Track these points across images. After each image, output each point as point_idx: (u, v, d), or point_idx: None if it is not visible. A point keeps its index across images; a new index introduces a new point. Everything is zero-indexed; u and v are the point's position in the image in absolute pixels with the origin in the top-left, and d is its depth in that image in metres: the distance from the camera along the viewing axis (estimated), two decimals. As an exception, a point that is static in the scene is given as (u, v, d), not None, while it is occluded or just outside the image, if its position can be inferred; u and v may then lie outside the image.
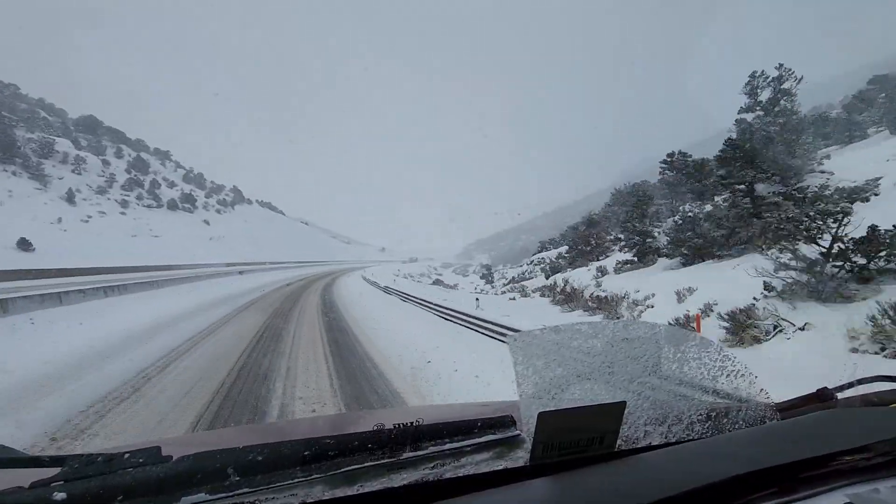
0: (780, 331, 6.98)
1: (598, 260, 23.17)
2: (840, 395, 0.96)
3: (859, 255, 7.53)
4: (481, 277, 53.57)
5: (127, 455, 0.63)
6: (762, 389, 0.84)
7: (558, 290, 17.27)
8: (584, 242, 26.32)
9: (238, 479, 0.61)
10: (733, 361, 0.83)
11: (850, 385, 0.97)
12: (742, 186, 13.84)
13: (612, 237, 26.02)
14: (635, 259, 18.47)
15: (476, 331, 9.75)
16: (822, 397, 0.95)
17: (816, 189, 13.02)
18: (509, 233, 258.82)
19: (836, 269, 7.63)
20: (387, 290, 22.16)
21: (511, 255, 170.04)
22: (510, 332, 1.25)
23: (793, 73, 18.51)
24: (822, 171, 16.93)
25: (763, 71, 19.37)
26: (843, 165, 17.26)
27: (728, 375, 0.82)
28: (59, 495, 0.54)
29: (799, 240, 8.34)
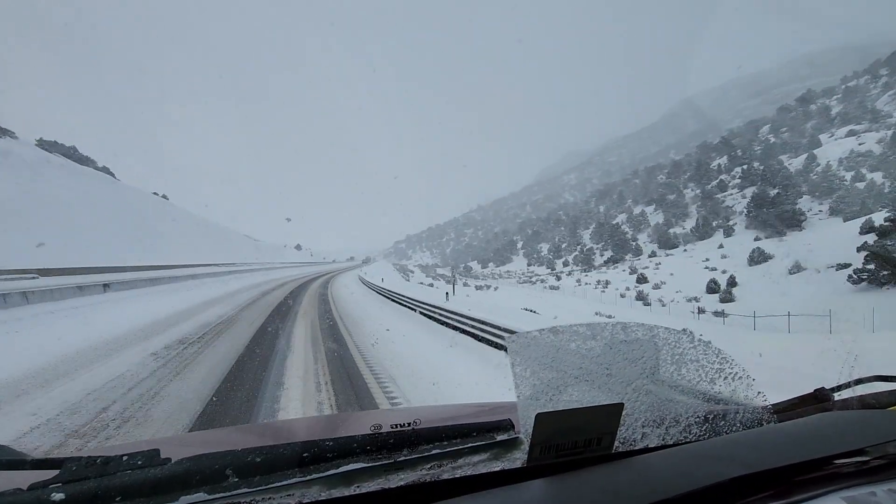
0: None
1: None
2: (837, 396, 0.96)
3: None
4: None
5: (125, 457, 0.62)
6: (760, 392, 0.84)
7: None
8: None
9: (236, 480, 0.61)
10: (731, 364, 0.83)
11: (847, 385, 0.97)
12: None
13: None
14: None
15: None
16: (819, 398, 0.95)
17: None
18: (443, 228, 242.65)
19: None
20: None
21: (472, 251, 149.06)
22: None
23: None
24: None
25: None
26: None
27: (726, 378, 0.81)
28: (58, 496, 0.54)
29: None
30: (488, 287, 50.19)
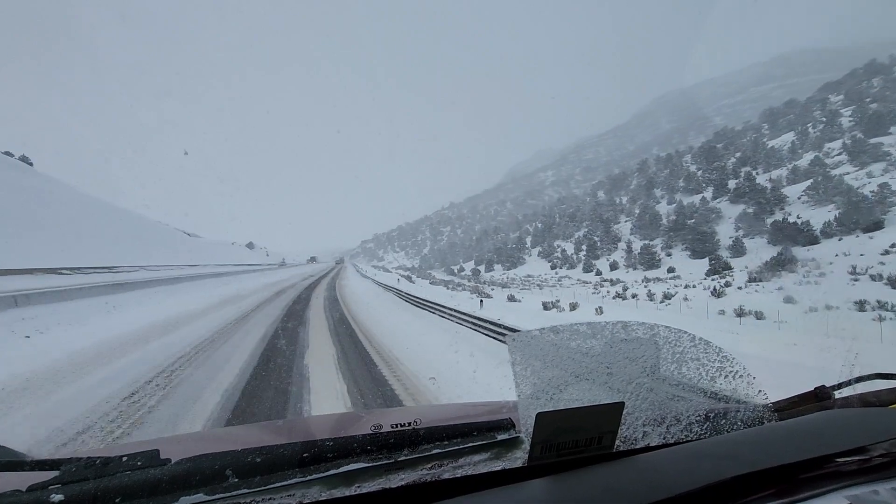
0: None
1: None
2: (837, 394, 0.95)
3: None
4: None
5: (125, 458, 0.62)
6: (760, 391, 0.83)
7: None
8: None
9: (236, 480, 0.60)
10: (732, 362, 0.82)
11: (848, 383, 0.96)
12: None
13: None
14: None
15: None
16: (820, 396, 0.94)
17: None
18: (415, 226, 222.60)
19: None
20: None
21: (458, 251, 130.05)
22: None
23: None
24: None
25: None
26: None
27: (726, 376, 0.81)
28: (56, 497, 0.53)
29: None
30: (572, 308, 28.55)
